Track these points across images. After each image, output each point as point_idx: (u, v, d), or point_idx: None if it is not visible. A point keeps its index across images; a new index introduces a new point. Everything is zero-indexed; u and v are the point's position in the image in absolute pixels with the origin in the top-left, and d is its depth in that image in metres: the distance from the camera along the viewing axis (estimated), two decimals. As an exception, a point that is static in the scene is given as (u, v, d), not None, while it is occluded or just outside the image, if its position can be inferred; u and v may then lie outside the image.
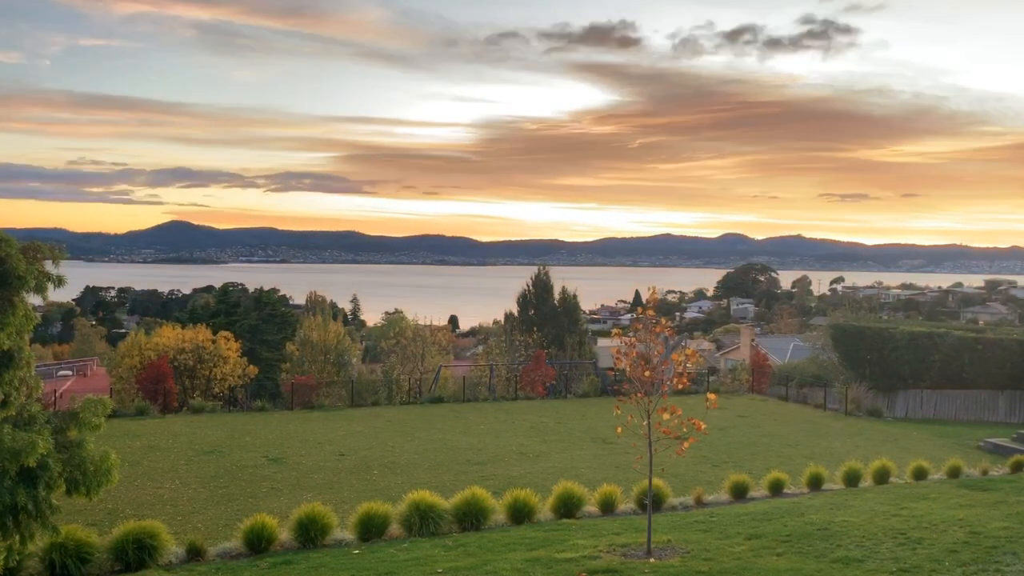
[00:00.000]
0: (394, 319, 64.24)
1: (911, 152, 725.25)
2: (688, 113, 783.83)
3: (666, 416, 9.88)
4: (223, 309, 51.10)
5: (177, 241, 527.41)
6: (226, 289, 67.16)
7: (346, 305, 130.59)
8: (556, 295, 49.10)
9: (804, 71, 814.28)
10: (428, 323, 48.82)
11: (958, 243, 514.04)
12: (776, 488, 14.81)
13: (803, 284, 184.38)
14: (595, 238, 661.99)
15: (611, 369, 35.18)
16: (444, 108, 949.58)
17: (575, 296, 50.05)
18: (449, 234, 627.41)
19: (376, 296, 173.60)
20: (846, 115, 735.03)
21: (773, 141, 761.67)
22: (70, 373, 53.37)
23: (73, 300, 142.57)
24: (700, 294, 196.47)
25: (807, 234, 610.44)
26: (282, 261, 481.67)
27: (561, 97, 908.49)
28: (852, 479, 15.49)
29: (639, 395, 10.06)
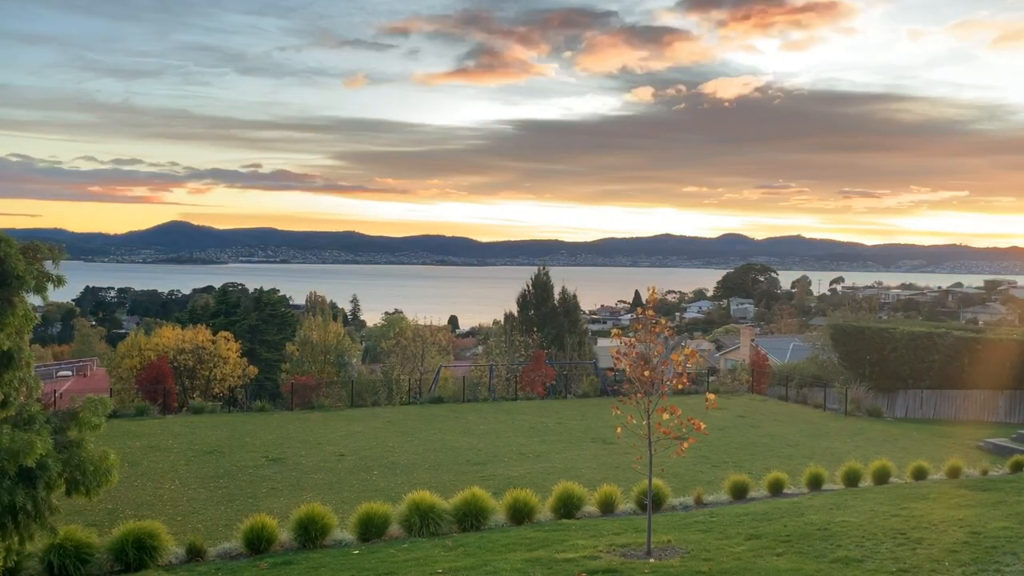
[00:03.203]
0: (394, 319, 64.21)
1: (911, 151, 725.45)
2: (689, 114, 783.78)
3: (666, 416, 9.87)
4: (223, 309, 51.16)
5: (177, 241, 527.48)
6: (226, 289, 67.32)
7: (346, 305, 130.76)
8: (556, 295, 49.12)
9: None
10: (428, 323, 48.82)
11: (958, 243, 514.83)
12: (776, 488, 14.81)
13: (803, 284, 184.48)
14: (595, 238, 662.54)
15: (611, 369, 35.21)
16: (444, 108, 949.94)
17: (575, 296, 50.08)
18: (449, 234, 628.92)
19: (376, 296, 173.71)
20: (841, 114, 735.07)
21: (772, 141, 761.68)
22: (70, 373, 53.39)
23: (73, 300, 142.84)
24: (700, 294, 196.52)
25: (807, 234, 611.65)
26: (282, 261, 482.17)
27: (562, 98, 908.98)
28: (852, 479, 15.49)
29: (639, 395, 10.06)
